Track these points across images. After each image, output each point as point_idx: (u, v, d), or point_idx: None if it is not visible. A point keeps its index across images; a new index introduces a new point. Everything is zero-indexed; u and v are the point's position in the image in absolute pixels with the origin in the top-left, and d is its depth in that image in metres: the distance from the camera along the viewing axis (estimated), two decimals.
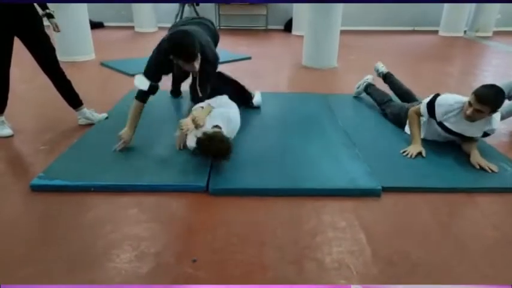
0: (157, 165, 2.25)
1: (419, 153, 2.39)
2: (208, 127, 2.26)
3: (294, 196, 2.00)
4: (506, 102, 2.94)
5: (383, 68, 3.42)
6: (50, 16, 2.72)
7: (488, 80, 3.83)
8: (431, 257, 1.59)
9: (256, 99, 3.22)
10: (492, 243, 1.70)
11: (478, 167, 2.27)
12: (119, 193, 1.99)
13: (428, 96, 2.51)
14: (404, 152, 2.42)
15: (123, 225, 1.75)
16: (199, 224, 1.79)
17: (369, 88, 3.37)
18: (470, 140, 2.41)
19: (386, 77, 3.37)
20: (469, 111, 2.25)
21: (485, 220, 1.87)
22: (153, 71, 2.41)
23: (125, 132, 2.39)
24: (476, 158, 2.31)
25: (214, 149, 2.10)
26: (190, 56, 2.26)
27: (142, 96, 2.41)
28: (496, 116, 2.34)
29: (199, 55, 2.30)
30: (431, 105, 2.44)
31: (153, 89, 2.40)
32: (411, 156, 2.37)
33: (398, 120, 2.86)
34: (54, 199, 1.95)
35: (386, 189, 2.05)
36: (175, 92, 3.45)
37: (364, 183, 2.07)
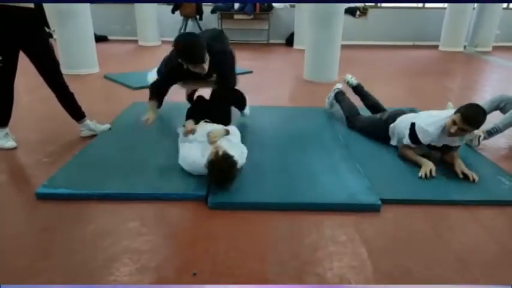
0: (158, 174, 2.27)
1: (431, 171, 2.31)
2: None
3: (294, 210, 2.00)
4: (501, 115, 2.96)
5: (353, 79, 3.42)
6: (48, 36, 2.76)
7: (488, 95, 3.85)
8: (432, 272, 1.59)
9: (247, 110, 3.29)
10: (493, 257, 1.70)
11: (461, 175, 2.30)
12: (120, 203, 2.01)
13: (406, 128, 2.50)
14: (421, 176, 2.30)
15: (123, 238, 1.76)
16: (200, 238, 1.79)
17: (339, 96, 3.38)
18: (451, 149, 2.45)
19: (357, 89, 3.38)
20: (453, 130, 2.29)
21: (486, 234, 1.87)
22: (165, 79, 2.55)
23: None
24: (460, 166, 2.34)
25: (221, 170, 2.05)
26: (198, 57, 2.25)
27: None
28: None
29: (207, 56, 2.30)
30: (413, 135, 2.45)
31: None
32: (429, 175, 2.28)
33: (372, 133, 2.88)
34: (56, 210, 1.96)
35: (387, 202, 2.05)
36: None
37: (364, 198, 2.07)
